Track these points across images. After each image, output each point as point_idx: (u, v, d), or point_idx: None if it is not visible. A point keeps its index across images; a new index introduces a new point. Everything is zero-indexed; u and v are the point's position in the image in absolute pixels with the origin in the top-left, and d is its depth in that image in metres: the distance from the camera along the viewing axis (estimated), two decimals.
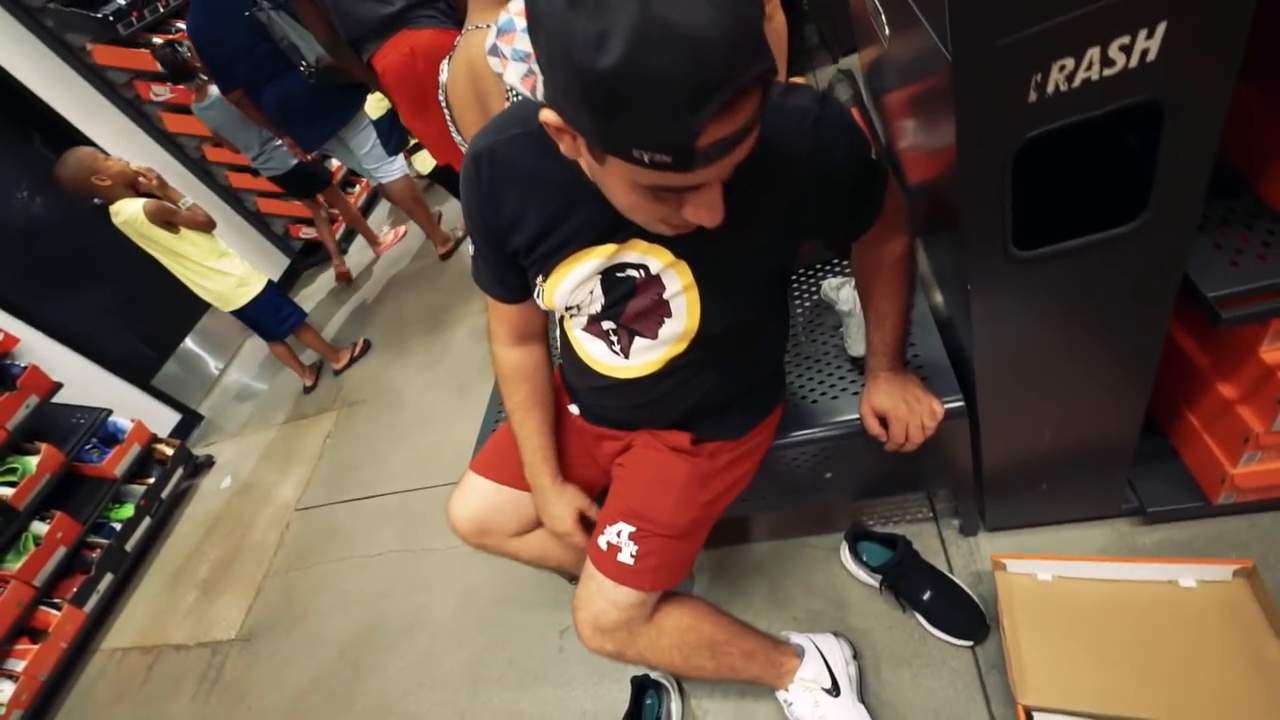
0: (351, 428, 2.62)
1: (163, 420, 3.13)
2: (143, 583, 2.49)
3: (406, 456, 2.31)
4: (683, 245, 0.74)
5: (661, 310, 0.79)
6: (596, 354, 0.90)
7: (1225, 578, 0.99)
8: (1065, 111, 0.59)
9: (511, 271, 0.87)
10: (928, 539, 1.32)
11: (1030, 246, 0.72)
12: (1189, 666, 0.94)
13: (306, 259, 4.00)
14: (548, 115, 0.58)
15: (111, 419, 2.63)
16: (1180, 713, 0.90)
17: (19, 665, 2.12)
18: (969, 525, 1.27)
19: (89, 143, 2.98)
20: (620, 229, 0.74)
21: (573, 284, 0.80)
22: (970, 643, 1.14)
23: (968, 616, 1.15)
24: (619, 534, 0.94)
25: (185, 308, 3.53)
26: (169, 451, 2.72)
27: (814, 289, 1.31)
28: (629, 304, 0.81)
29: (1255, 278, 0.75)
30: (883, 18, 0.89)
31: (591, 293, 0.81)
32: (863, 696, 1.11)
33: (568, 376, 1.04)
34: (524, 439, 1.00)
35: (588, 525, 1.03)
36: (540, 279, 0.83)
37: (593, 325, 0.86)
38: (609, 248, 0.76)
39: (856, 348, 1.07)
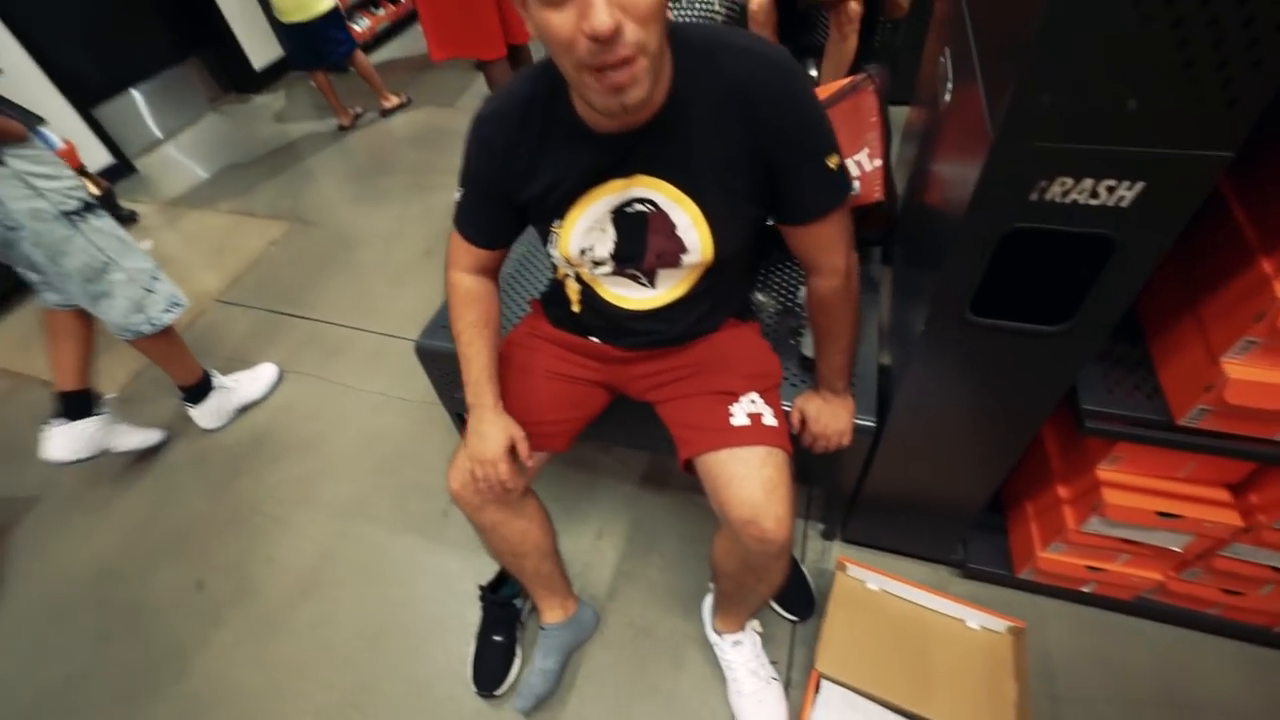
0: (299, 244, 2.55)
1: (93, 156, 2.90)
2: (20, 313, 2.36)
3: (351, 292, 2.29)
4: (679, 178, 0.83)
5: (678, 246, 0.88)
6: (626, 292, 0.96)
7: (1000, 629, 1.23)
8: (1051, 218, 0.74)
9: (504, 222, 0.94)
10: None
11: (980, 314, 0.88)
12: (948, 682, 1.18)
13: None
14: None
15: (43, 128, 2.41)
16: (927, 708, 1.14)
17: None
18: (830, 530, 1.48)
19: None
20: (625, 163, 0.82)
21: (587, 224, 0.87)
22: (796, 619, 1.35)
23: (802, 599, 1.35)
24: (753, 402, 0.98)
25: (150, 51, 3.25)
26: (96, 191, 2.54)
27: (782, 294, 1.44)
28: (648, 246, 0.89)
29: (1120, 406, 0.95)
30: (949, 84, 1.01)
31: (604, 231, 0.88)
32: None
33: (586, 317, 1.04)
34: (471, 357, 0.99)
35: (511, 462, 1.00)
36: (556, 223, 0.89)
37: (619, 271, 0.93)
38: (617, 183, 0.84)
39: (812, 350, 1.21)
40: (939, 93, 1.08)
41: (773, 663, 1.26)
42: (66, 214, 1.40)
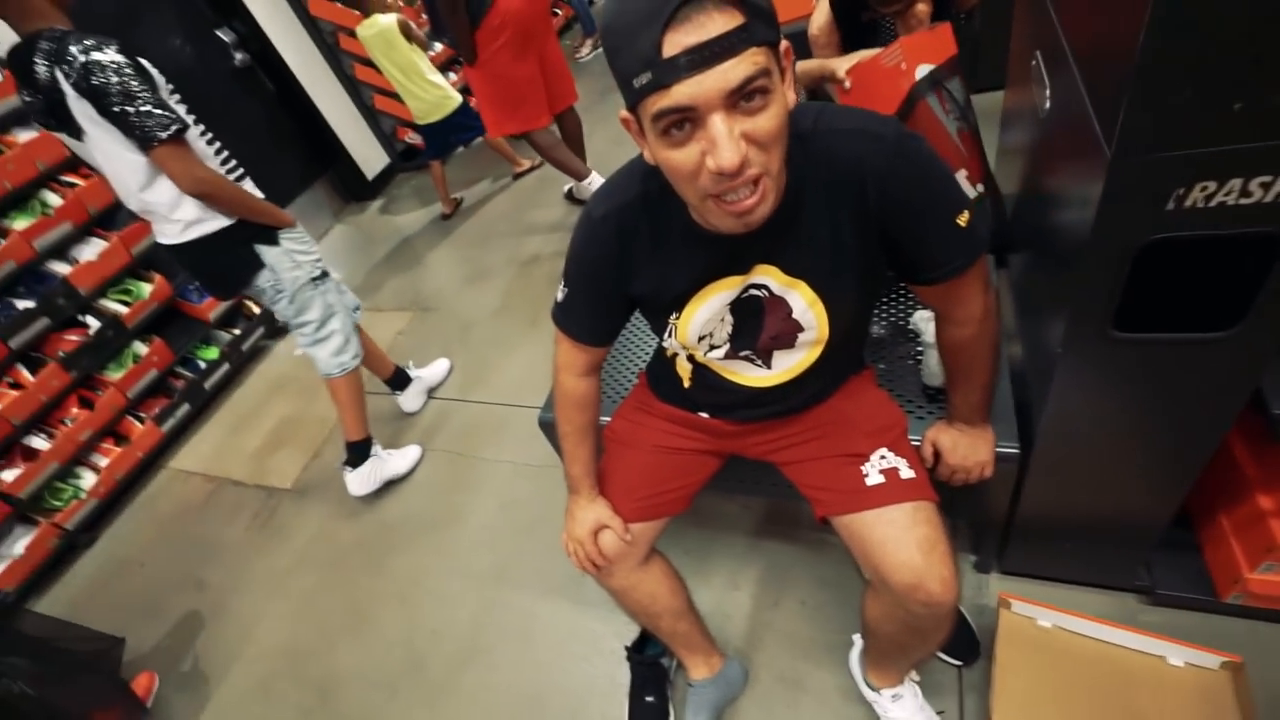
0: (423, 331, 2.80)
1: None
2: (213, 420, 2.75)
3: (470, 369, 2.48)
4: (793, 266, 0.82)
5: (794, 327, 0.88)
6: (741, 370, 0.97)
7: (1212, 666, 1.08)
8: (1196, 224, 0.67)
9: (614, 316, 0.95)
10: None
11: (1126, 329, 0.80)
12: None
13: (405, 162, 4.17)
14: (622, 113, 0.69)
15: None
16: None
17: (103, 461, 2.39)
18: (984, 563, 1.37)
19: None
20: (742, 259, 0.82)
21: (705, 316, 0.88)
22: (960, 663, 1.25)
23: (964, 640, 1.26)
24: (883, 458, 0.94)
25: (287, 184, 3.76)
26: (256, 310, 2.96)
27: (895, 316, 1.39)
28: (763, 328, 0.89)
29: None
30: (1046, 91, 0.96)
31: (723, 320, 0.89)
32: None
33: (696, 394, 1.05)
34: (576, 457, 1.07)
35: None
36: (674, 316, 0.89)
37: (733, 354, 0.94)
38: (735, 279, 0.84)
39: (934, 380, 1.16)
40: (1037, 100, 1.02)
41: (939, 713, 1.18)
42: (313, 279, 1.84)
